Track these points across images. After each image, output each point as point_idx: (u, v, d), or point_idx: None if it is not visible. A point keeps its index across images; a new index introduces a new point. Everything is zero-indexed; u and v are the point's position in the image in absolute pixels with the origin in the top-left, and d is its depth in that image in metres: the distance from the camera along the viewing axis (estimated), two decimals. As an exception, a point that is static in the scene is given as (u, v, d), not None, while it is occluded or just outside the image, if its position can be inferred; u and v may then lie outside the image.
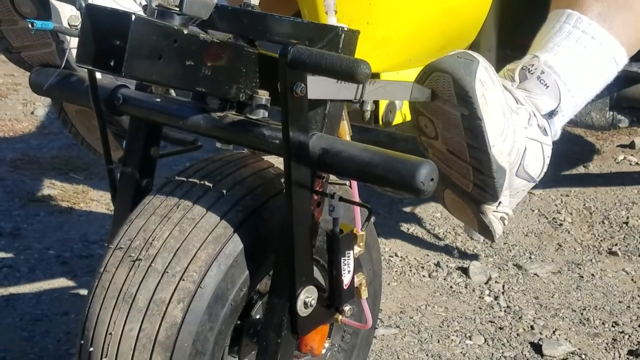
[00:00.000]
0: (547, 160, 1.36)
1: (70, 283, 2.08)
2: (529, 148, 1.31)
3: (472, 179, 1.28)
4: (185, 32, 1.02)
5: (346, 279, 1.17)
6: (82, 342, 1.12)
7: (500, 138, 1.23)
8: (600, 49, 1.38)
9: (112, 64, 0.96)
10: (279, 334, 1.15)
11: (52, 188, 2.63)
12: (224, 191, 1.14)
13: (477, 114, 1.19)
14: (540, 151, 1.33)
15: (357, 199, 1.19)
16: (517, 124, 1.29)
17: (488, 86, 1.22)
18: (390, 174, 1.01)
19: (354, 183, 1.19)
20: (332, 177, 1.18)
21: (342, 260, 1.15)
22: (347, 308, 1.21)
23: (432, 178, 1.00)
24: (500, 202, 1.31)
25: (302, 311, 1.15)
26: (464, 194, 1.36)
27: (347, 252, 1.16)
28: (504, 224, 1.38)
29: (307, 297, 1.14)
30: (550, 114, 1.34)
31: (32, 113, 3.33)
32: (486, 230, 1.37)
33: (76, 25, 1.10)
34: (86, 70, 1.21)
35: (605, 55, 1.39)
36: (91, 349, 1.10)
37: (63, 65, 1.29)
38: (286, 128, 1.02)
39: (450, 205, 1.42)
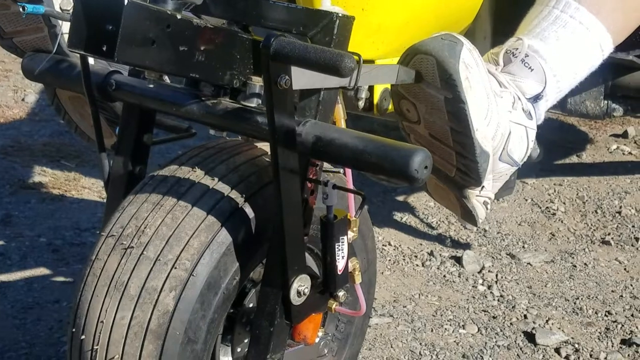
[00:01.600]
0: (532, 144, 1.34)
1: (62, 271, 2.07)
2: (513, 132, 1.30)
3: (455, 164, 1.27)
4: (179, 17, 1.01)
5: (340, 264, 1.17)
6: (74, 330, 1.12)
7: (484, 122, 1.22)
8: (587, 34, 1.37)
9: (104, 49, 0.95)
10: (272, 323, 1.15)
11: (43, 175, 2.62)
12: (217, 178, 1.13)
13: (460, 97, 1.18)
14: (524, 135, 1.32)
15: (351, 186, 1.18)
16: (501, 108, 1.27)
17: (472, 69, 1.21)
18: (384, 161, 1.00)
19: (348, 170, 1.18)
20: (327, 165, 1.17)
21: (336, 246, 1.15)
22: (341, 294, 1.21)
23: (425, 166, 1.00)
24: (483, 187, 1.30)
25: (295, 300, 1.14)
26: (447, 179, 1.34)
27: (341, 237, 1.15)
28: (487, 209, 1.37)
29: (301, 286, 1.14)
30: (535, 98, 1.33)
31: (23, 100, 3.31)
32: (469, 215, 1.36)
33: (68, 10, 1.09)
34: (78, 55, 1.19)
35: (591, 42, 1.38)
36: (83, 337, 1.10)
37: (55, 51, 1.28)
38: (271, 118, 1.01)
39: (433, 191, 1.41)
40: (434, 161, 1.28)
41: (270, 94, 1.00)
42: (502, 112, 1.27)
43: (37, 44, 1.37)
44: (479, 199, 1.33)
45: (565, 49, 1.36)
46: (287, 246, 1.10)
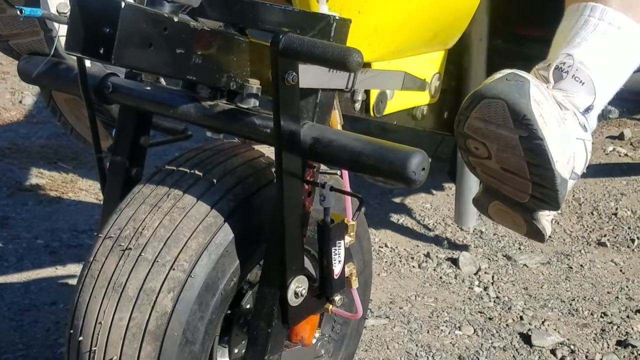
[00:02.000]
0: (589, 155, 1.33)
1: (59, 273, 2.07)
2: (575, 149, 1.28)
3: (530, 192, 1.25)
4: (176, 19, 1.02)
5: (337, 268, 1.17)
6: (72, 331, 1.12)
7: (561, 153, 1.21)
8: (628, 38, 1.35)
9: (101, 51, 0.96)
10: (269, 324, 1.15)
11: (40, 177, 2.62)
12: (215, 180, 1.13)
13: (538, 134, 1.16)
14: (583, 148, 1.30)
15: (348, 188, 1.19)
16: (570, 132, 1.26)
17: (543, 104, 1.19)
18: (382, 163, 1.01)
19: (345, 173, 1.19)
20: (324, 167, 1.18)
21: (333, 250, 1.15)
22: (337, 298, 1.21)
23: (423, 167, 1.00)
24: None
25: (292, 301, 1.15)
26: (516, 204, 1.33)
27: (338, 242, 1.15)
28: (551, 224, 1.37)
29: (298, 287, 1.14)
30: (587, 109, 1.31)
31: (21, 102, 3.31)
32: (537, 234, 1.35)
33: (65, 13, 1.09)
34: (75, 58, 1.20)
35: (634, 44, 1.36)
36: (80, 338, 1.10)
37: (52, 53, 1.28)
38: (277, 117, 1.02)
39: (495, 214, 1.39)
40: (502, 190, 1.29)
41: (277, 91, 1.00)
42: (571, 135, 1.26)
43: (33, 47, 1.37)
44: (548, 218, 1.33)
45: (610, 56, 1.34)
46: (286, 246, 1.10)
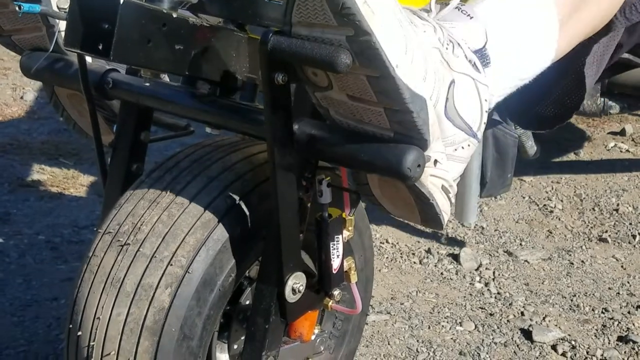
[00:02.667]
0: (486, 107, 1.11)
1: (60, 268, 2.07)
2: (458, 82, 1.07)
3: (389, 127, 1.02)
4: (175, 15, 1.02)
5: (335, 263, 1.17)
6: (71, 326, 1.12)
7: (405, 56, 0.97)
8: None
9: (100, 47, 0.96)
10: (267, 320, 1.15)
11: (41, 173, 2.62)
12: (213, 176, 1.13)
13: (362, 27, 0.92)
14: (473, 88, 1.09)
15: (346, 184, 1.18)
16: (426, 41, 1.03)
17: None
18: (377, 160, 1.00)
19: (344, 169, 1.19)
20: (322, 163, 1.17)
21: (331, 245, 1.15)
22: (336, 292, 1.21)
23: (419, 164, 0.99)
24: (436, 161, 1.07)
25: (290, 297, 1.15)
26: None
27: (335, 236, 1.15)
28: (450, 200, 1.11)
29: (296, 283, 1.14)
30: (479, 52, 1.12)
31: (22, 98, 3.32)
32: (429, 212, 1.11)
33: (64, 8, 1.09)
34: (75, 53, 1.20)
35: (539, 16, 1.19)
36: (79, 333, 1.10)
37: (51, 49, 1.28)
38: (268, 115, 1.01)
39: (382, 192, 1.19)
40: (367, 134, 1.06)
41: (268, 90, 1.00)
42: (428, 46, 1.03)
43: (35, 43, 1.37)
44: (434, 180, 1.07)
45: (500, 2, 1.18)
46: (282, 243, 1.10)
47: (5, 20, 1.35)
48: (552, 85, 1.37)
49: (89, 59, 1.25)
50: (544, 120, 1.49)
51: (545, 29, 1.19)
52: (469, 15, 1.13)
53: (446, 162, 1.08)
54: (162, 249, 1.08)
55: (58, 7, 1.15)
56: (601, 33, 1.34)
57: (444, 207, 1.10)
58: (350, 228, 1.19)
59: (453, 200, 1.12)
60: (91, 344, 1.08)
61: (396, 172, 0.99)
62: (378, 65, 0.95)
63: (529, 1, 1.19)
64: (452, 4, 1.13)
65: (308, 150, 1.05)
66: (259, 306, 1.15)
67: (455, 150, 1.09)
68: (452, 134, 1.08)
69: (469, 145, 1.10)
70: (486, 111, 1.12)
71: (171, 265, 1.07)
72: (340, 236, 1.16)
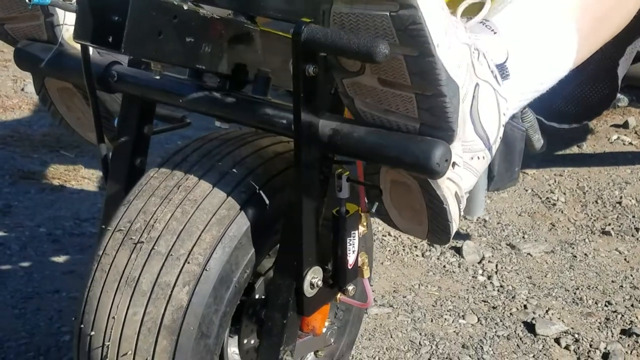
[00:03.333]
0: (503, 120, 1.12)
1: (62, 261, 2.07)
2: (482, 88, 1.08)
3: (417, 116, 1.00)
4: (185, 7, 1.01)
5: (351, 258, 1.16)
6: (82, 326, 1.10)
7: (445, 38, 0.96)
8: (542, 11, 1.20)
9: (110, 40, 0.94)
10: (285, 315, 1.14)
11: (43, 165, 2.61)
12: (224, 171, 1.12)
13: (409, 1, 0.91)
14: (493, 99, 1.10)
15: (362, 178, 1.17)
16: (460, 34, 1.03)
17: None
18: (404, 155, 0.98)
19: (359, 164, 1.17)
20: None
21: (348, 241, 1.14)
22: (350, 288, 1.21)
23: (446, 159, 0.98)
24: (454, 163, 1.06)
25: (308, 292, 1.13)
26: None
27: (352, 232, 1.15)
28: (460, 211, 1.10)
29: (314, 278, 1.13)
30: (500, 67, 1.13)
31: (23, 90, 3.30)
32: (440, 217, 1.09)
33: (73, 0, 1.08)
34: (77, 46, 1.18)
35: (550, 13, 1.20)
36: (92, 333, 1.08)
37: (59, 42, 1.26)
38: (297, 109, 0.99)
39: (391, 199, 1.15)
40: (392, 125, 1.04)
41: (300, 83, 0.98)
42: (462, 40, 1.03)
43: (30, 33, 1.32)
44: (449, 185, 1.07)
45: (522, 19, 1.19)
46: (303, 237, 1.09)
47: None
48: (581, 84, 1.37)
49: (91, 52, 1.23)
50: (566, 116, 1.49)
51: (565, 43, 1.19)
52: (492, 30, 1.13)
53: (462, 169, 1.08)
54: (178, 246, 1.07)
55: None
56: (632, 35, 1.33)
57: (455, 215, 1.09)
58: (365, 223, 1.18)
59: (462, 213, 1.11)
60: (106, 343, 1.07)
61: (424, 167, 0.97)
62: (420, 42, 0.93)
63: (548, 16, 1.19)
64: (477, 17, 1.13)
65: (331, 145, 1.03)
66: (276, 301, 1.14)
67: (472, 159, 1.09)
68: (472, 139, 1.08)
69: (483, 158, 1.10)
70: (503, 125, 1.12)
71: (188, 263, 1.06)
72: (356, 232, 1.15)
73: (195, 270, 1.06)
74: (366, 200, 1.19)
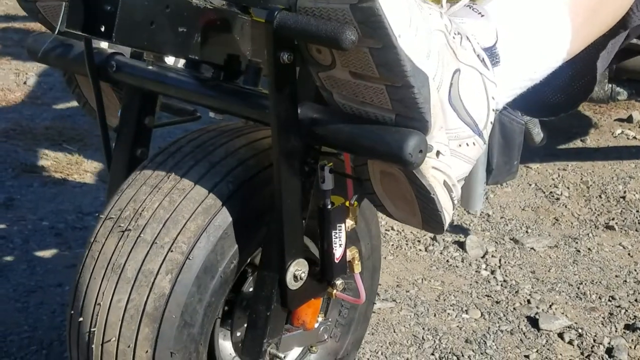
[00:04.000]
0: (493, 104, 1.09)
1: (64, 254, 2.07)
2: (464, 73, 1.05)
3: (390, 106, 0.99)
4: (178, -3, 1.00)
5: (337, 252, 1.15)
6: (72, 312, 1.12)
7: (409, 29, 0.95)
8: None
9: (102, 29, 0.95)
10: (268, 307, 1.14)
11: (45, 159, 2.62)
12: (215, 162, 1.12)
13: None
14: (480, 83, 1.07)
15: (349, 170, 1.17)
16: (431, 21, 1.01)
17: None
18: (379, 145, 0.98)
19: (347, 155, 1.17)
20: (326, 149, 1.16)
21: (333, 234, 1.14)
22: (339, 282, 1.20)
23: (420, 149, 0.97)
24: (439, 152, 1.04)
25: (291, 284, 1.13)
26: None
27: (338, 225, 1.14)
28: (452, 200, 1.08)
29: (297, 270, 1.13)
30: (489, 50, 1.11)
31: (25, 83, 3.31)
32: (430, 207, 1.07)
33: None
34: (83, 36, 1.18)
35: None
36: (80, 319, 1.09)
37: (57, 30, 1.26)
38: (273, 97, 1.00)
39: (383, 189, 1.14)
40: (369, 116, 1.04)
41: (274, 70, 0.98)
42: (433, 26, 1.01)
43: (57, 14, 1.32)
44: (436, 174, 1.05)
45: (513, 4, 1.17)
46: (284, 229, 1.09)
47: None
48: (560, 74, 1.35)
49: (105, 44, 1.23)
50: (552, 108, 1.47)
51: (558, 32, 1.18)
52: (479, 13, 1.12)
53: (450, 156, 1.06)
54: (163, 235, 1.07)
55: None
56: (616, 29, 1.32)
57: (446, 204, 1.07)
58: (353, 217, 1.17)
59: (456, 202, 1.09)
60: (92, 329, 1.07)
61: (397, 157, 0.97)
62: (381, 34, 0.93)
63: (541, 3, 1.17)
64: (462, 1, 1.12)
65: (310, 135, 1.04)
66: (260, 293, 1.14)
67: (460, 146, 1.07)
68: (457, 126, 1.06)
69: (474, 144, 1.08)
70: (493, 110, 1.10)
71: (172, 251, 1.06)
72: (343, 225, 1.15)
73: (179, 258, 1.06)
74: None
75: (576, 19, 1.17)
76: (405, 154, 0.96)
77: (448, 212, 1.08)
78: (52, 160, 2.60)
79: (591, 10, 1.20)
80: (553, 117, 1.47)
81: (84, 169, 2.56)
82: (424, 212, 1.09)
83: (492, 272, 2.06)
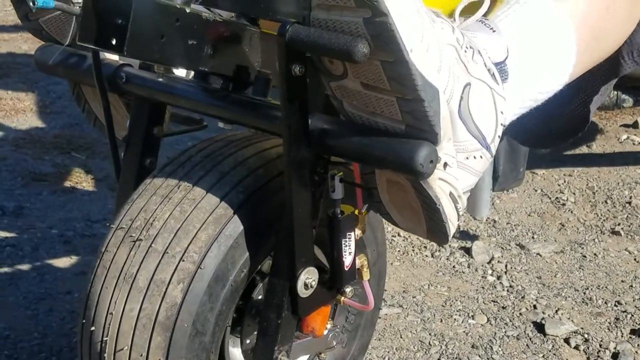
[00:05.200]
0: (501, 119, 1.10)
1: (73, 262, 2.08)
2: (474, 86, 1.06)
3: (400, 118, 1.01)
4: (188, 10, 1.02)
5: (347, 260, 1.16)
6: (84, 321, 1.12)
7: (420, 44, 0.97)
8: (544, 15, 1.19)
9: (114, 43, 0.96)
10: (279, 315, 1.15)
11: (54, 167, 2.63)
12: (225, 172, 1.13)
13: (380, 8, 0.93)
14: (489, 97, 1.08)
15: (358, 180, 1.18)
16: (442, 36, 1.02)
17: None
18: (389, 155, 0.99)
19: (356, 164, 1.18)
20: (335, 158, 1.17)
21: (343, 242, 1.15)
22: (348, 289, 1.21)
23: (431, 160, 0.98)
24: (446, 164, 1.05)
25: (302, 292, 1.14)
26: None
27: (347, 233, 1.15)
28: (457, 211, 1.09)
29: (308, 278, 1.14)
30: (499, 66, 1.12)
31: (34, 92, 3.33)
32: (435, 218, 1.08)
33: (78, 3, 1.09)
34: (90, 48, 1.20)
35: (548, 21, 1.19)
36: (92, 328, 1.10)
37: (68, 43, 1.28)
38: (285, 108, 1.01)
39: (390, 198, 1.14)
40: (379, 127, 1.05)
41: (285, 82, 0.99)
42: (444, 41, 1.02)
43: (60, 27, 1.33)
44: (442, 185, 1.06)
45: (524, 22, 1.18)
46: (295, 237, 1.10)
47: None
48: (555, 111, 1.37)
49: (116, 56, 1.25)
50: (538, 139, 1.49)
51: (564, 53, 1.19)
52: (491, 28, 1.13)
53: (456, 169, 1.07)
54: (174, 244, 1.08)
55: (72, 2, 1.15)
56: (608, 76, 1.35)
57: (451, 215, 1.08)
58: (362, 225, 1.18)
59: (461, 213, 1.10)
60: (104, 339, 1.08)
61: (408, 168, 0.98)
62: (393, 49, 0.95)
63: (550, 25, 1.18)
64: (475, 16, 1.14)
65: (320, 145, 1.05)
66: (271, 301, 1.15)
67: (467, 159, 1.08)
68: (465, 139, 1.07)
69: (481, 157, 1.09)
70: (502, 124, 1.11)
71: (183, 261, 1.07)
72: (352, 233, 1.16)
73: (190, 268, 1.07)
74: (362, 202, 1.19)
75: (581, 44, 1.19)
76: (416, 164, 0.97)
77: (453, 223, 1.09)
78: (61, 169, 2.62)
79: (594, 37, 1.22)
80: (536, 148, 1.49)
81: (92, 177, 2.58)
82: (429, 222, 1.10)
83: (499, 277, 2.07)
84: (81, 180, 2.55)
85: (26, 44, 3.93)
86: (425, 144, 0.98)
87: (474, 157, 1.09)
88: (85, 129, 2.94)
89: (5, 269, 2.03)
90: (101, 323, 1.09)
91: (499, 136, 1.11)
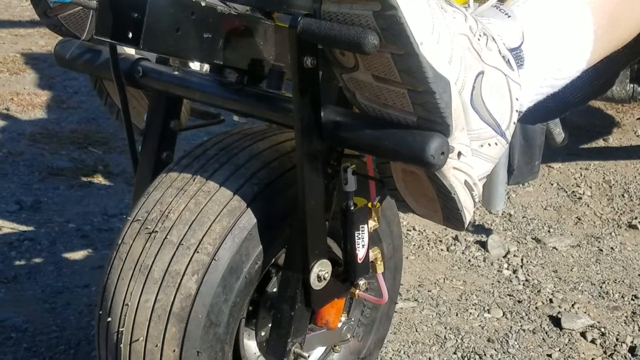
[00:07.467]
0: (517, 106, 1.09)
1: (91, 256, 2.09)
2: (488, 74, 1.06)
3: (412, 110, 1.01)
4: (203, 4, 1.02)
5: (360, 253, 1.17)
6: (101, 312, 1.14)
7: (431, 36, 0.96)
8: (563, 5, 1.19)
9: (130, 36, 0.97)
10: (292, 307, 1.15)
11: (71, 162, 2.65)
12: (240, 164, 1.14)
13: (389, 1, 0.93)
14: (504, 84, 1.08)
15: (371, 172, 1.18)
16: (453, 25, 1.02)
17: None
18: (401, 147, 0.99)
19: (369, 157, 1.18)
20: (348, 150, 1.17)
21: (356, 235, 1.15)
22: (361, 282, 1.21)
23: (442, 151, 0.98)
24: (460, 153, 1.05)
25: (315, 284, 1.15)
26: None
27: (361, 226, 1.15)
28: (473, 198, 1.10)
29: (321, 271, 1.14)
30: (514, 51, 1.12)
31: (51, 87, 3.34)
32: (451, 206, 1.09)
33: (93, -1, 1.09)
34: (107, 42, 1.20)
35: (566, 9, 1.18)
36: (109, 319, 1.11)
37: (84, 37, 1.28)
38: (297, 100, 1.02)
39: (405, 187, 1.15)
40: (392, 119, 1.05)
41: (297, 74, 1.00)
42: (456, 31, 1.01)
43: (78, 22, 1.35)
44: (457, 174, 1.06)
45: (540, 7, 1.17)
46: (308, 230, 1.10)
47: None
48: (581, 83, 1.36)
49: (132, 50, 1.25)
50: (565, 106, 1.48)
51: (581, 39, 1.18)
52: (507, 14, 1.12)
53: (471, 157, 1.07)
54: (189, 236, 1.09)
55: None
56: (630, 57, 1.33)
57: (466, 203, 1.08)
58: (376, 218, 1.18)
59: (477, 200, 1.10)
60: (120, 329, 1.09)
61: (419, 159, 0.98)
62: (403, 42, 0.95)
63: (567, 10, 1.18)
64: (490, 1, 1.13)
65: (333, 137, 1.05)
66: (284, 293, 1.15)
67: (482, 146, 1.08)
68: (479, 127, 1.06)
69: (496, 144, 1.09)
70: (517, 111, 1.11)
71: (197, 252, 1.08)
72: (365, 226, 1.16)
73: (204, 259, 1.08)
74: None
75: (598, 30, 1.18)
76: (427, 156, 0.97)
77: (469, 210, 1.10)
78: (78, 163, 2.63)
79: (611, 24, 1.21)
80: (546, 121, 1.48)
81: (109, 172, 2.59)
82: (445, 209, 1.11)
83: (514, 271, 2.06)
84: (98, 175, 2.57)
85: (43, 39, 3.95)
86: (436, 135, 0.98)
87: (489, 145, 1.08)
88: (102, 123, 2.96)
89: (24, 263, 2.04)
90: (117, 314, 1.10)
91: (514, 123, 1.11)
